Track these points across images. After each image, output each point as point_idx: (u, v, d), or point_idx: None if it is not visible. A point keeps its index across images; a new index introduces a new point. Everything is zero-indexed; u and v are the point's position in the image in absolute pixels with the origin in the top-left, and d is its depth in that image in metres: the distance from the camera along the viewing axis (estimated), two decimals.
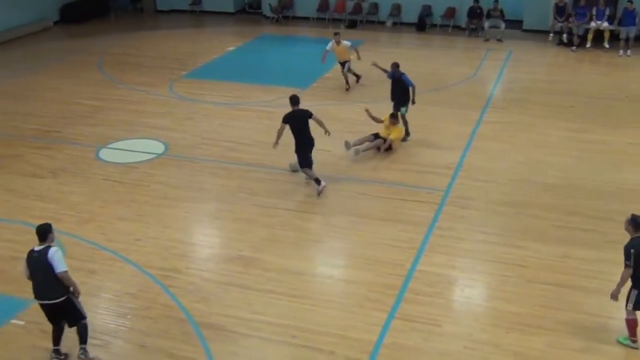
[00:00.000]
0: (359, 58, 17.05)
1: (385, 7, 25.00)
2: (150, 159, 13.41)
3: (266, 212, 11.24)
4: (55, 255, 7.53)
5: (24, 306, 8.84)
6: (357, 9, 25.29)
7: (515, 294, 9.05)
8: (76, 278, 9.34)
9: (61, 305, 7.67)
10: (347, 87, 17.43)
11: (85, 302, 8.85)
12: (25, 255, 7.67)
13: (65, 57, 21.29)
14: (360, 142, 13.43)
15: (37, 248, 7.63)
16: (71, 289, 7.71)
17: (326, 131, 12.23)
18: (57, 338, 7.95)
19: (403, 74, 14.05)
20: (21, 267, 7.87)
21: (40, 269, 7.54)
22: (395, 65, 14.14)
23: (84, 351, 7.83)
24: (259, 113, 15.87)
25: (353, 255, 10.08)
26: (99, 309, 8.85)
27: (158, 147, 13.95)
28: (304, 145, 11.99)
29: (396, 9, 24.85)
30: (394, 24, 24.93)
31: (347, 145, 13.38)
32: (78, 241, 10.44)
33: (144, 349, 8.08)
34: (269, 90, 17.53)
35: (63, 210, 11.43)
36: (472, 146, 13.80)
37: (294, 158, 12.20)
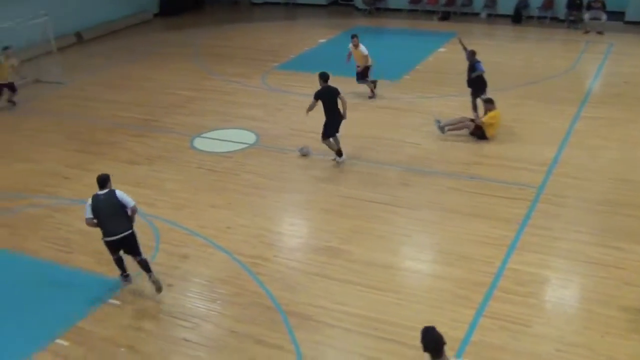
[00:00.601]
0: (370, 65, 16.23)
1: None
2: (242, 149, 13.68)
3: (353, 203, 11.25)
4: (124, 195, 8.75)
5: (120, 287, 9.23)
6: (451, 0, 24.86)
7: (611, 296, 8.69)
8: (169, 262, 9.75)
9: (129, 237, 8.79)
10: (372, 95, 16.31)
11: (178, 286, 9.22)
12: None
13: (163, 48, 22.00)
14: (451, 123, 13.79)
15: (101, 192, 8.71)
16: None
17: (344, 114, 12.60)
18: (122, 267, 9.21)
19: (478, 61, 14.07)
20: (85, 214, 8.77)
21: (111, 208, 8.66)
22: (472, 53, 14.18)
23: (152, 274, 8.96)
24: (349, 104, 15.79)
25: (441, 251, 9.94)
26: (191, 293, 9.12)
27: (250, 137, 14.21)
28: (334, 120, 12.55)
29: (491, 1, 24.27)
30: (489, 15, 24.37)
31: (437, 122, 13.72)
32: (172, 227, 10.79)
33: (232, 334, 8.27)
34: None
35: (158, 196, 11.82)
36: (569, 142, 13.32)
37: (378, 151, 12.13)
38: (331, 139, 12.69)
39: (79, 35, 23.22)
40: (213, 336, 8.28)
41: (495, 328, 8.20)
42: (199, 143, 14.07)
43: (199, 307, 8.83)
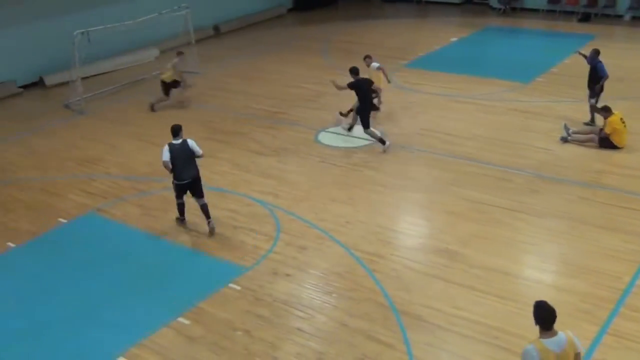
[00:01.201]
0: (388, 81, 15.21)
1: None
2: (366, 145, 13.70)
3: (477, 207, 10.99)
4: (194, 144, 10.43)
5: (240, 272, 9.53)
6: (592, 1, 23.69)
7: None
8: (287, 252, 9.95)
9: (197, 181, 10.34)
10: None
11: (295, 276, 9.39)
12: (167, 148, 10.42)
13: (294, 42, 22.45)
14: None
15: (175, 141, 10.35)
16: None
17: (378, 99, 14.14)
18: (182, 211, 10.80)
19: (599, 62, 13.51)
20: (162, 156, 10.24)
21: (184, 155, 10.25)
22: (596, 52, 13.64)
23: (210, 220, 10.48)
24: (478, 106, 15.52)
25: (566, 262, 9.51)
26: (307, 284, 9.26)
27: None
28: (368, 109, 13.35)
29: (637, 2, 22.89)
30: (633, 18, 23.00)
31: (566, 128, 13.31)
32: (292, 217, 10.99)
33: (344, 328, 8.32)
34: (490, 83, 17.07)
35: (281, 187, 12.08)
36: None
37: (507, 154, 11.75)
38: (371, 130, 13.31)
39: (216, 28, 24.15)
40: (326, 328, 8.36)
41: (619, 347, 7.75)
42: (323, 137, 14.24)
43: (314, 298, 8.95)
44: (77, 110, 16.66)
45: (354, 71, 13.47)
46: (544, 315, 5.85)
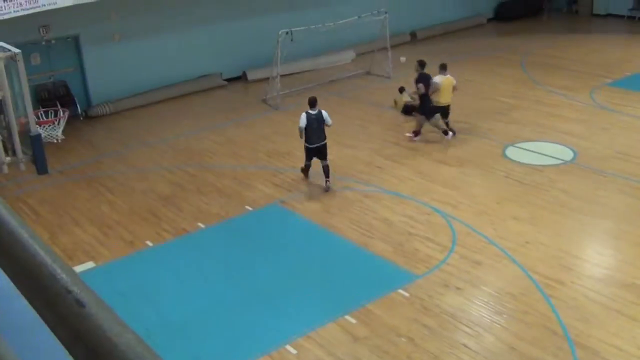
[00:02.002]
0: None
1: None
2: (556, 165, 13.09)
3: None
4: (327, 115, 12.11)
5: (411, 279, 9.52)
6: None
7: None
8: (461, 265, 9.78)
9: (324, 146, 12.12)
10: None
11: (466, 291, 9.22)
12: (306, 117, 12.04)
13: (491, 53, 21.94)
14: None
15: (311, 111, 12.03)
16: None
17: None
18: (307, 172, 12.69)
19: None
20: (300, 123, 12.02)
21: (317, 123, 11.98)
22: None
23: (328, 180, 12.21)
24: None
25: None
26: (478, 301, 9.04)
27: (566, 154, 13.53)
28: (428, 99, 14.23)
29: None
30: None
31: None
32: (470, 230, 10.78)
33: (513, 351, 8.01)
34: None
35: (462, 198, 11.89)
36: None
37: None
38: (437, 120, 14.23)
39: (413, 35, 24.24)
40: (492, 348, 8.11)
41: None
42: (511, 152, 13.80)
43: (483, 316, 8.72)
44: (273, 106, 17.56)
45: (421, 64, 14.34)
46: None
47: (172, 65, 18.81)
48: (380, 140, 14.83)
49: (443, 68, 14.48)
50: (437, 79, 14.23)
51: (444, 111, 14.45)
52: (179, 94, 18.81)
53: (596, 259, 10.01)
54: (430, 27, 24.69)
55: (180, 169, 13.89)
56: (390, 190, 12.33)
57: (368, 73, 20.11)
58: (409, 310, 8.88)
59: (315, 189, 12.55)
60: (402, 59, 18.97)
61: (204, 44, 19.33)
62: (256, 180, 13.08)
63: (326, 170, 12.26)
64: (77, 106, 17.06)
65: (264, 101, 18.05)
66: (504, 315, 8.69)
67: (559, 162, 13.18)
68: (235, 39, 19.80)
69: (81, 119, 17.21)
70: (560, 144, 14.02)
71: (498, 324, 8.55)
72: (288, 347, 8.28)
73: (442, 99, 14.28)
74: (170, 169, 13.92)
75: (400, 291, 9.29)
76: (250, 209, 12.01)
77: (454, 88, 14.45)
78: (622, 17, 25.91)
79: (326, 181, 12.29)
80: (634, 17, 25.66)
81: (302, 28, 17.53)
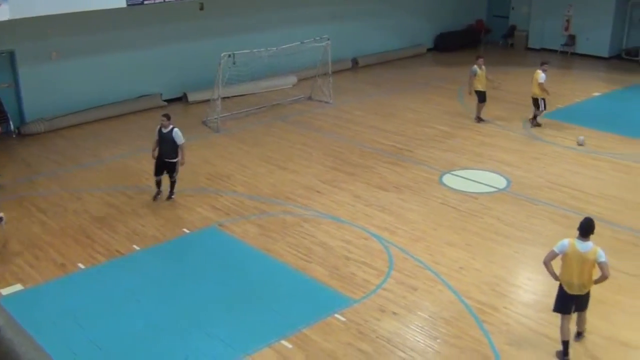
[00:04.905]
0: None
1: None
2: (490, 192, 13.41)
3: None
4: (179, 132, 12.57)
5: (348, 304, 9.55)
6: None
7: None
8: (397, 290, 9.84)
9: (175, 164, 12.63)
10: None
11: (402, 316, 9.29)
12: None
13: (430, 82, 22.43)
14: None
15: (165, 130, 12.53)
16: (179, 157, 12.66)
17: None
18: (159, 184, 12.95)
19: None
20: (178, 140, 12.52)
21: (167, 141, 12.50)
22: None
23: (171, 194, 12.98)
24: (614, 165, 14.81)
25: None
26: (413, 325, 9.12)
27: (500, 182, 13.89)
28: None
29: None
30: None
31: None
32: (406, 256, 10.91)
33: None
34: (631, 142, 16.25)
35: (399, 224, 12.03)
36: None
37: (636, 217, 11.07)
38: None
39: (355, 61, 24.58)
40: None
41: None
42: (447, 179, 14.08)
43: (418, 340, 8.80)
44: (213, 128, 17.47)
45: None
46: (583, 226, 8.17)
47: (111, 84, 18.54)
48: (320, 165, 14.92)
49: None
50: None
51: None
52: (117, 114, 18.53)
53: (527, 284, 10.26)
54: (371, 55, 25.10)
55: (116, 190, 13.64)
56: (329, 215, 12.39)
57: (310, 98, 20.27)
58: (345, 335, 8.89)
59: (255, 217, 12.50)
60: (580, 138, 16.34)
61: (144, 64, 19.14)
62: (195, 203, 12.95)
63: (173, 184, 12.98)
64: (9, 123, 16.60)
65: (204, 123, 17.94)
66: (438, 340, 8.80)
67: (493, 190, 13.52)
68: (177, 59, 19.67)
69: (14, 136, 16.74)
70: (495, 173, 14.40)
71: (432, 348, 8.65)
72: None
73: None
74: (106, 189, 13.65)
75: (337, 316, 9.30)
76: (187, 231, 11.87)
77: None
78: (555, 51, 26.91)
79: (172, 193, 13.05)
80: (566, 53, 26.68)
81: (245, 51, 17.58)
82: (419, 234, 11.69)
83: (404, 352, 8.56)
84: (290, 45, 18.79)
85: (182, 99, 20.13)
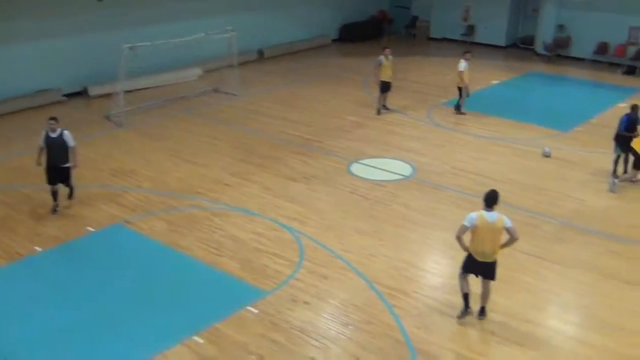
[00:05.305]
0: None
1: None
2: (397, 180, 13.68)
3: (503, 251, 10.74)
4: (69, 134, 11.75)
5: (260, 296, 9.52)
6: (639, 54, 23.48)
7: None
8: (308, 280, 9.90)
9: (69, 169, 11.87)
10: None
11: (313, 305, 9.35)
12: None
13: (336, 73, 22.63)
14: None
15: (53, 134, 11.66)
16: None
17: None
18: (55, 195, 12.00)
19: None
20: (41, 142, 11.73)
21: (57, 146, 11.63)
22: (633, 108, 13.51)
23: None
24: (514, 150, 15.41)
25: (590, 315, 9.31)
26: (325, 314, 9.20)
27: (406, 170, 14.19)
28: None
29: None
30: None
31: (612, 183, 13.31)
32: (317, 246, 10.98)
33: None
34: (528, 128, 16.96)
35: (309, 214, 12.09)
36: None
37: (538, 201, 11.58)
38: None
39: (260, 53, 24.47)
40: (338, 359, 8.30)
41: None
42: (355, 168, 14.26)
43: (330, 328, 8.89)
44: (116, 123, 16.97)
45: None
46: (487, 196, 8.76)
47: (6, 78, 17.66)
48: (228, 157, 14.78)
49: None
50: None
51: None
52: (12, 110, 17.67)
53: (435, 268, 10.55)
54: (277, 46, 25.07)
55: (13, 189, 13.04)
56: (238, 208, 12.30)
57: (216, 90, 20.03)
58: (258, 327, 8.86)
59: (162, 212, 12.25)
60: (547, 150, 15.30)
61: (41, 57, 18.32)
62: (99, 200, 12.55)
63: (71, 190, 12.31)
64: None
65: (107, 118, 17.40)
66: (350, 327, 8.91)
67: (400, 177, 13.80)
68: (76, 52, 18.96)
69: None
70: (401, 160, 14.69)
71: (344, 335, 8.75)
72: None
73: None
74: (2, 189, 13.03)
75: (249, 308, 9.26)
76: (92, 230, 11.49)
77: None
78: (455, 41, 27.72)
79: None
80: (466, 42, 27.51)
81: (147, 43, 17.14)
82: (328, 223, 11.78)
83: (316, 340, 8.62)
84: (194, 36, 18.47)
85: (82, 94, 19.43)
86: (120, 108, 17.00)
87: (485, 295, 9.02)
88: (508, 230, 8.69)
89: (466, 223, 8.69)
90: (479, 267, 8.85)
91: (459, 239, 8.77)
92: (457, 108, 18.08)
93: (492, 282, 8.96)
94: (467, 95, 17.98)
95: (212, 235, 11.29)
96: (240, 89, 19.65)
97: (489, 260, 8.79)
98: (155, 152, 15.05)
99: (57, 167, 11.83)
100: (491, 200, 8.73)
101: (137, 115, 17.58)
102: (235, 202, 12.54)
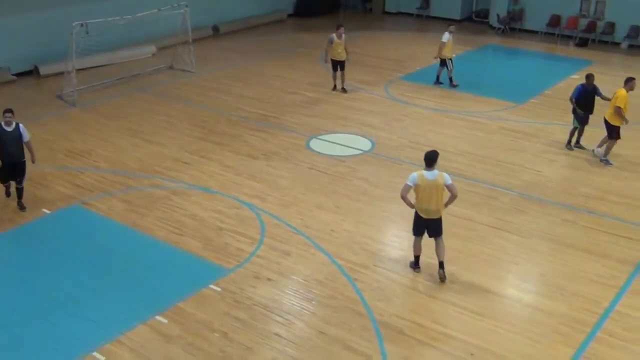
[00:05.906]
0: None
1: (622, 27, 23.35)
2: (356, 155, 13.73)
3: (462, 223, 11.01)
4: (24, 128, 11.07)
5: (223, 274, 9.51)
6: (591, 27, 23.87)
7: None
8: (271, 257, 9.91)
9: (25, 164, 11.12)
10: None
11: (276, 281, 9.38)
12: None
13: (293, 48, 22.48)
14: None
15: (9, 128, 10.86)
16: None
17: None
18: (8, 190, 11.52)
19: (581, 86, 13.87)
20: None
21: (13, 140, 10.88)
22: (588, 77, 13.90)
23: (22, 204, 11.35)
24: (471, 123, 15.58)
25: (547, 283, 9.55)
26: (287, 290, 9.24)
27: (365, 144, 14.25)
28: None
29: (634, 31, 23.07)
30: (630, 46, 23.17)
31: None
32: (278, 222, 10.98)
33: (322, 336, 8.30)
34: (484, 101, 17.15)
35: (269, 191, 12.07)
36: None
37: (495, 173, 11.77)
38: None
39: (216, 29, 24.14)
40: (303, 335, 8.35)
41: None
42: (315, 144, 14.25)
43: (293, 304, 8.93)
44: (69, 102, 16.61)
45: None
46: (427, 157, 9.14)
47: None
48: (186, 136, 14.62)
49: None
50: None
51: None
52: None
53: (395, 241, 10.65)
54: (232, 22, 24.75)
55: None
56: (198, 186, 12.21)
57: (171, 67, 19.72)
58: (221, 305, 8.86)
59: (121, 193, 12.08)
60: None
61: None
62: (54, 182, 12.31)
63: (20, 192, 11.32)
64: None
65: (60, 97, 17.01)
66: (313, 302, 8.97)
67: (359, 152, 13.85)
68: (25, 30, 18.41)
69: None
70: (360, 135, 14.73)
71: (307, 310, 8.81)
72: (95, 354, 7.92)
73: None
74: None
75: (212, 286, 9.24)
76: (48, 212, 11.28)
77: None
78: (411, 15, 27.77)
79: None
80: (421, 16, 27.59)
81: (98, 20, 16.75)
82: (289, 199, 11.78)
83: (280, 316, 8.66)
84: (147, 12, 18.10)
85: (33, 72, 18.94)
86: (72, 87, 16.62)
87: (440, 251, 9.42)
88: (448, 187, 9.11)
89: (409, 182, 9.14)
90: (426, 224, 9.34)
91: (403, 197, 9.23)
92: (450, 80, 18.16)
93: (441, 238, 9.40)
94: (450, 68, 18.05)
95: (172, 214, 11.19)
96: (196, 65, 19.39)
97: (434, 217, 9.25)
98: (111, 132, 14.80)
99: (14, 162, 11.07)
100: (430, 160, 9.12)
101: (90, 94, 17.23)
102: (194, 181, 12.43)
